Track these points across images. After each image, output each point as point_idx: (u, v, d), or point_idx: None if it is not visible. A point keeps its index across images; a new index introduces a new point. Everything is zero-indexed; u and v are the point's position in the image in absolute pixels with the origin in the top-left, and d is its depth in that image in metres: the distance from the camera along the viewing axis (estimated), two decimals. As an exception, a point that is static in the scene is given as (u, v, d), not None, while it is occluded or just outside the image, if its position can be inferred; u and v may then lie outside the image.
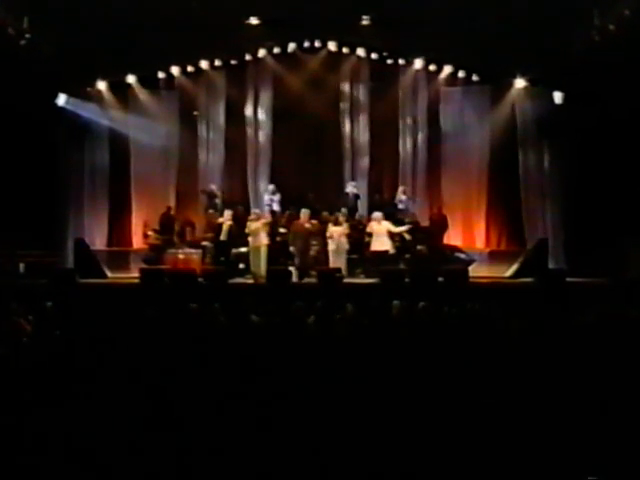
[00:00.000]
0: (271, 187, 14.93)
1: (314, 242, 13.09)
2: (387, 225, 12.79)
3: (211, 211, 14.31)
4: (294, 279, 12.35)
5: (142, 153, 15.30)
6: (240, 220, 13.51)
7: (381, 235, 12.64)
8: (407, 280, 11.76)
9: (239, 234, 13.06)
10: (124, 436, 4.21)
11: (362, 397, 4.71)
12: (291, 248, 13.05)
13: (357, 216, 14.48)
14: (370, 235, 12.83)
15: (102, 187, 15.09)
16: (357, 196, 14.81)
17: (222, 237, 13.18)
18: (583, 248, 13.12)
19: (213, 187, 14.97)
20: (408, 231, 13.27)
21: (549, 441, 4.14)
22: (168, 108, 15.40)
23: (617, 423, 4.37)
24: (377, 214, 12.95)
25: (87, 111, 14.78)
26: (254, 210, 14.01)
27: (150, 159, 15.31)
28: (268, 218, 13.51)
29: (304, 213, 13.07)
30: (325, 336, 6.89)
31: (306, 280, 12.54)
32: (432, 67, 15.14)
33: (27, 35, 12.06)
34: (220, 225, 13.32)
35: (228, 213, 13.48)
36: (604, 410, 4.51)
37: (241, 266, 13.10)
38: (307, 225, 13.02)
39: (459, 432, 4.25)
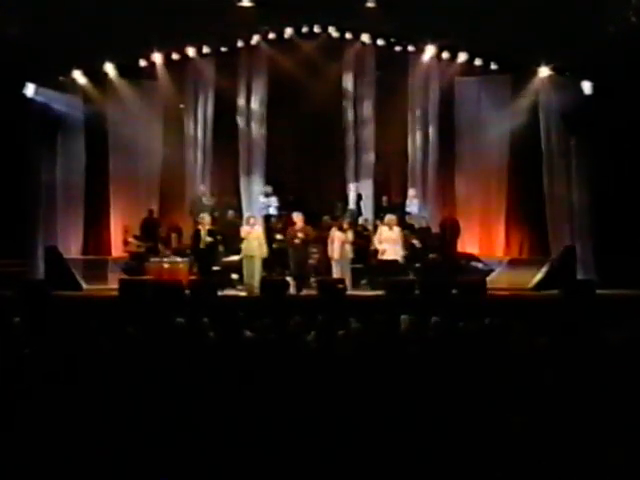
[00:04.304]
0: (268, 189, 14.89)
1: (314, 249, 13.10)
2: (399, 231, 12.77)
3: (202, 215, 14.28)
4: (291, 291, 12.37)
5: (122, 150, 15.32)
6: (230, 225, 13.49)
7: (392, 242, 12.63)
8: (417, 292, 11.77)
9: (231, 240, 13.05)
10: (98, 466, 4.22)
11: (367, 422, 4.71)
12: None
13: (361, 220, 14.47)
14: (379, 242, 12.82)
15: (77, 188, 15.02)
16: (359, 196, 14.78)
17: (201, 245, 13.11)
18: (615, 256, 13.10)
19: (202, 188, 14.97)
20: (419, 237, 13.25)
21: (579, 468, 4.15)
22: (151, 100, 15.43)
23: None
24: (390, 217, 12.94)
25: (60, 103, 14.74)
26: (247, 214, 14.02)
27: (131, 157, 15.35)
28: (261, 223, 13.48)
29: (297, 216, 13.05)
30: (326, 355, 6.89)
31: (305, 292, 12.56)
32: (445, 54, 15.14)
33: None
34: (198, 231, 13.21)
35: (206, 217, 13.39)
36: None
37: (234, 276, 13.11)
38: (303, 231, 13.00)
39: (475, 462, 4.24)
